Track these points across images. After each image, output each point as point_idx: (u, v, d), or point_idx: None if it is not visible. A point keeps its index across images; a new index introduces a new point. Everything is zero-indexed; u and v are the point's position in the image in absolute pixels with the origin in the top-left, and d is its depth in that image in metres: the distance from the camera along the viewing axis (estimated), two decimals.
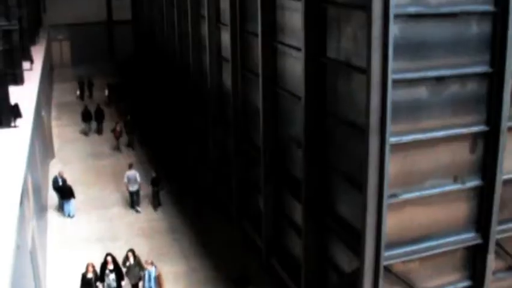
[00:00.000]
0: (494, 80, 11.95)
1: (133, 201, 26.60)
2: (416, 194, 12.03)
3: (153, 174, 27.14)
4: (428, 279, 12.81)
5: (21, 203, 13.54)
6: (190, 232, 24.15)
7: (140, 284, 18.73)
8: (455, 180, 12.25)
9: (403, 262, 12.44)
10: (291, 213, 17.09)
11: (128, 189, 26.37)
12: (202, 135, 27.74)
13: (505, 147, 12.20)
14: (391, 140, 11.27)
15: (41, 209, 22.85)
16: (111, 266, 18.23)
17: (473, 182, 12.44)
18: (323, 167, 14.30)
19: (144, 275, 18.16)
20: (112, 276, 18.23)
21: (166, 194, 27.82)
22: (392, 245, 12.09)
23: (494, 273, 13.10)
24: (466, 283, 13.15)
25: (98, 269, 18.39)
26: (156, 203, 26.69)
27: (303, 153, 14.72)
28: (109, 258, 18.36)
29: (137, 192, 26.56)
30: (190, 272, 21.37)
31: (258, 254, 19.97)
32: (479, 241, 12.73)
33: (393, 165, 11.49)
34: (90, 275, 18.06)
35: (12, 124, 19.52)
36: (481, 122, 12.18)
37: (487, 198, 12.42)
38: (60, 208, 26.20)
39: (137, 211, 26.31)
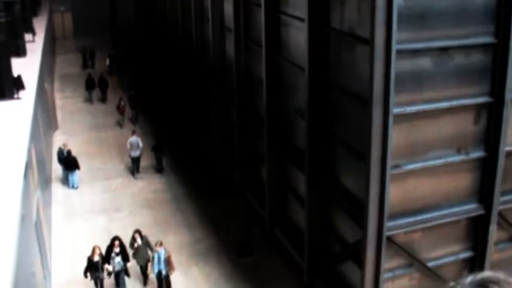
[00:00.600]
0: (498, 51, 11.87)
1: (133, 167, 27.43)
2: (420, 164, 12.03)
3: (155, 141, 27.56)
4: (431, 250, 12.86)
5: (25, 174, 13.59)
6: (193, 203, 24.29)
7: (149, 265, 18.61)
8: (459, 151, 12.25)
9: (406, 233, 12.48)
10: (294, 184, 17.12)
11: (129, 154, 26.82)
12: (205, 106, 27.71)
13: (509, 119, 12.17)
14: (395, 110, 11.24)
15: (45, 181, 22.94)
16: (117, 249, 18.11)
17: (477, 153, 12.43)
18: (326, 137, 14.28)
19: (154, 257, 17.98)
20: (118, 258, 18.15)
21: (169, 165, 27.92)
22: (395, 216, 12.12)
23: (496, 244, 13.15)
24: (468, 254, 13.20)
25: (103, 252, 18.40)
26: (158, 168, 27.09)
27: (306, 124, 14.69)
28: (116, 242, 18.22)
29: (138, 158, 27.18)
30: (194, 242, 21.56)
31: (261, 224, 20.06)
32: (481, 212, 12.76)
33: (396, 136, 11.48)
34: (96, 258, 17.99)
35: (15, 96, 19.53)
36: (485, 93, 12.13)
37: (490, 169, 12.42)
38: (65, 180, 26.32)
39: (135, 178, 26.65)
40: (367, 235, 11.89)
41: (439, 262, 12.95)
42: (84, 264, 18.36)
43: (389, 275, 12.53)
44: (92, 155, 28.90)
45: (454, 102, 11.86)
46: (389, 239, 12.15)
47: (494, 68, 11.98)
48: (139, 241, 18.42)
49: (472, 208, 12.74)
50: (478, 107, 12.18)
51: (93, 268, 18.00)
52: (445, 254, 13.00)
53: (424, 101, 11.63)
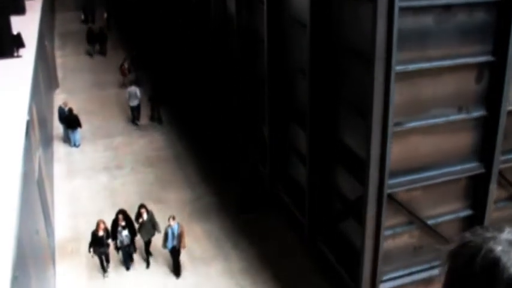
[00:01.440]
0: (501, 10, 11.76)
1: (134, 116, 27.89)
2: (421, 122, 12.03)
3: (151, 92, 27.99)
4: (431, 208, 12.95)
5: (27, 133, 13.59)
6: (194, 160, 24.33)
7: (154, 239, 17.96)
8: (460, 110, 12.24)
9: (407, 190, 12.55)
10: (296, 143, 17.15)
11: (128, 104, 27.21)
12: (205, 63, 27.57)
13: (511, 78, 12.12)
14: (397, 68, 11.20)
15: (47, 139, 22.97)
16: (123, 223, 17.43)
17: (478, 112, 12.42)
18: (328, 96, 14.26)
19: (167, 232, 17.22)
20: (125, 232, 17.47)
21: (170, 122, 27.91)
22: (396, 174, 12.17)
23: (496, 202, 13.23)
24: (468, 212, 13.30)
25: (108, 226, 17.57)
26: (156, 118, 27.51)
27: (308, 82, 14.65)
28: (120, 216, 17.51)
29: (137, 108, 27.85)
30: (195, 200, 21.65)
31: (263, 181, 20.15)
32: (482, 171, 12.80)
33: (399, 94, 11.45)
34: (101, 233, 17.20)
35: (15, 54, 19.41)
36: (487, 52, 12.06)
37: (491, 128, 12.42)
38: (66, 138, 26.34)
39: (136, 124, 27.51)
40: (368, 192, 11.96)
41: (439, 220, 13.06)
42: (87, 222, 18.52)
43: (390, 232, 12.65)
44: (93, 113, 28.83)
45: (457, 61, 11.80)
46: (390, 196, 12.22)
47: (498, 26, 11.88)
48: (144, 216, 17.73)
49: (472, 167, 12.78)
50: (481, 66, 12.13)
51: (97, 243, 17.21)
52: (445, 212, 13.10)
53: (427, 59, 11.57)
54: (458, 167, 12.69)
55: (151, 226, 17.83)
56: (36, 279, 12.90)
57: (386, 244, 12.72)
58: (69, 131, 26.02)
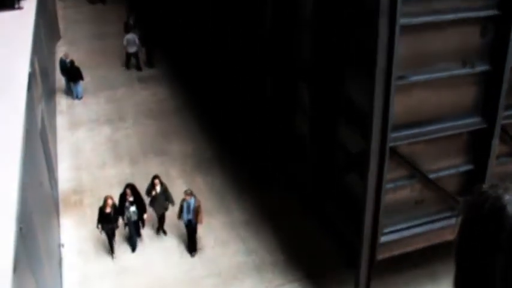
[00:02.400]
0: None
1: (129, 62, 28.65)
2: (425, 76, 11.95)
3: (144, 35, 28.64)
4: (433, 162, 12.96)
5: (29, 85, 13.56)
6: (197, 112, 24.33)
7: (168, 214, 17.50)
8: (464, 64, 12.14)
9: (409, 144, 12.55)
10: (298, 96, 17.10)
11: (126, 51, 28.10)
12: (199, 18, 27.25)
13: None
14: (401, 21, 11.07)
15: (49, 92, 22.94)
16: (131, 198, 16.71)
17: (482, 67, 12.32)
18: (331, 49, 14.15)
19: (183, 206, 16.57)
20: (132, 208, 16.77)
21: (172, 74, 27.82)
22: (398, 127, 12.15)
23: (497, 157, 13.23)
24: (469, 166, 13.31)
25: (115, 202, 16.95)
26: (148, 61, 28.50)
27: (310, 35, 14.54)
28: (128, 190, 16.78)
29: (135, 54, 28.55)
30: (198, 152, 21.74)
31: (265, 135, 20.18)
32: (484, 126, 12.77)
33: (403, 47, 11.35)
34: (108, 210, 16.47)
35: (16, 6, 19.21)
36: (492, 5, 11.90)
37: (495, 83, 12.33)
38: (68, 90, 26.30)
39: (139, 69, 28.61)
40: (371, 146, 11.95)
41: (440, 174, 13.09)
42: (90, 174, 18.62)
43: (391, 185, 12.68)
44: (95, 65, 28.72)
45: (461, 15, 11.66)
46: (392, 150, 12.22)
47: None
48: (158, 188, 17.01)
49: (475, 121, 12.75)
50: (485, 20, 11.98)
51: (105, 220, 16.55)
52: (447, 166, 13.12)
53: (431, 12, 11.43)
54: (461, 122, 12.65)
55: (164, 199, 17.21)
56: (40, 231, 13.04)
57: (388, 197, 12.78)
58: (71, 84, 25.96)
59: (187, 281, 16.28)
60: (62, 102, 25.80)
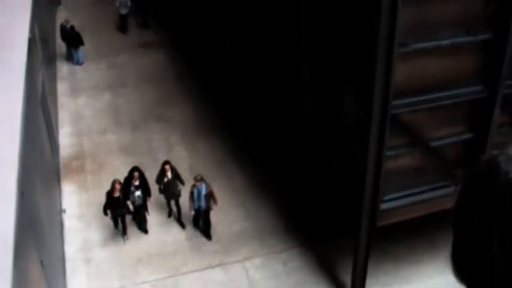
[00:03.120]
0: None
1: (124, 24, 29.05)
2: (427, 44, 11.87)
3: None
4: (434, 130, 12.94)
5: (29, 51, 13.49)
6: (198, 80, 24.27)
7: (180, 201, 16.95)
8: (468, 32, 12.04)
9: (410, 112, 12.52)
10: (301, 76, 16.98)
11: (118, 13, 28.56)
12: None
13: None
14: None
15: (50, 57, 22.85)
16: (136, 182, 16.15)
17: (485, 35, 12.22)
18: (333, 19, 14.02)
19: (193, 192, 15.94)
20: (138, 193, 16.18)
21: (172, 40, 27.67)
22: (400, 95, 12.11)
23: (499, 127, 13.19)
24: (470, 135, 13.28)
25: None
26: (143, 23, 28.99)
27: (311, 14, 14.42)
28: (136, 173, 16.23)
29: (126, 16, 28.98)
30: (199, 118, 21.76)
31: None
32: (486, 94, 12.71)
33: (405, 15, 11.24)
34: (117, 194, 15.91)
35: None
36: None
37: (498, 52, 12.24)
38: (69, 56, 26.20)
39: (123, 33, 28.98)
40: (372, 112, 11.93)
41: (441, 143, 13.07)
42: (91, 140, 18.64)
43: (392, 153, 12.68)
44: (96, 31, 28.55)
45: None
46: (393, 117, 12.19)
47: None
48: (169, 175, 16.37)
49: (476, 90, 12.69)
50: None
51: (114, 205, 16.03)
52: (447, 134, 13.09)
53: None
54: (463, 90, 12.59)
55: (176, 185, 16.62)
56: (42, 197, 13.10)
57: (388, 165, 12.79)
58: (72, 49, 25.85)
59: (188, 247, 16.41)
60: (63, 68, 25.72)
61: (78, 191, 18.29)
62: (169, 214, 17.34)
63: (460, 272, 1.84)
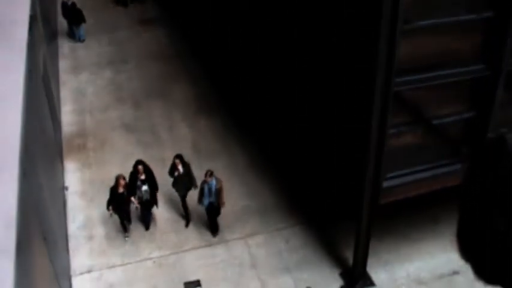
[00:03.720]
0: None
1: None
2: (430, 22, 11.79)
3: None
4: (436, 108, 12.90)
5: (30, 28, 13.42)
6: (199, 57, 24.20)
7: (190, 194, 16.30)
8: (470, 10, 11.95)
9: (413, 89, 12.47)
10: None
11: None
12: None
13: None
14: None
15: (51, 35, 22.75)
16: (142, 176, 15.45)
17: (488, 13, 12.12)
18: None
19: (203, 188, 15.43)
20: (144, 187, 15.52)
21: (173, 17, 27.53)
22: (403, 72, 12.05)
23: (501, 105, 13.13)
24: (473, 113, 13.23)
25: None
26: None
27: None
28: (140, 167, 15.49)
29: None
30: (200, 95, 21.75)
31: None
32: (489, 73, 12.65)
33: None
34: (121, 190, 15.17)
35: None
36: None
37: (501, 30, 12.14)
38: (70, 33, 26.12)
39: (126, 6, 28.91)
40: (375, 90, 11.89)
41: (443, 121, 13.04)
42: (93, 117, 18.60)
43: (394, 131, 12.66)
44: (97, 7, 28.44)
45: None
46: (396, 94, 12.16)
47: None
48: (180, 168, 15.77)
49: (479, 68, 12.62)
50: None
51: (117, 201, 15.34)
52: (450, 113, 13.06)
53: None
54: (466, 69, 12.53)
55: (187, 180, 16.05)
56: (45, 174, 13.12)
57: (390, 143, 12.77)
58: (73, 26, 25.75)
59: (190, 224, 16.46)
60: (64, 45, 25.65)
61: (80, 168, 18.31)
62: (187, 222, 16.65)
63: (466, 252, 1.84)
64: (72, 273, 14.97)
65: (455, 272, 14.85)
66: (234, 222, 16.48)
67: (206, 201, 15.56)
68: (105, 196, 16.73)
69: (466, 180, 1.84)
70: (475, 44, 12.43)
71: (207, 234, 16.10)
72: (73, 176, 17.99)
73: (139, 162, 15.65)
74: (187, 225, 16.51)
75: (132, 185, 15.40)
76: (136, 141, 19.33)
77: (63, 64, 23.95)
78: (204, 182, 15.34)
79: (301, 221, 16.50)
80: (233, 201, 16.97)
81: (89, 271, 15.10)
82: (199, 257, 15.48)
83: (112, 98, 21.73)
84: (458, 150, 13.35)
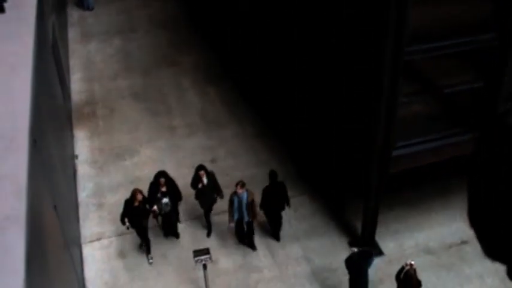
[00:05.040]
0: None
1: None
2: None
3: None
4: (446, 77, 12.83)
5: None
6: (209, 25, 24.06)
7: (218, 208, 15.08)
8: None
9: (423, 58, 12.38)
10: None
11: None
12: None
13: None
14: None
15: (60, 3, 22.67)
16: (163, 188, 14.27)
17: None
18: None
19: (233, 201, 14.03)
20: (165, 200, 14.31)
21: None
22: (413, 41, 11.96)
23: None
24: (483, 83, 13.13)
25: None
26: None
27: None
28: (162, 180, 14.24)
29: None
30: (209, 64, 21.69)
31: None
32: (500, 42, 12.51)
33: None
34: (136, 204, 13.84)
35: None
36: None
37: None
38: (79, 2, 26.01)
39: None
40: (385, 59, 11.81)
41: (453, 90, 12.96)
42: (102, 86, 18.60)
43: (405, 99, 12.60)
44: None
45: None
46: (406, 63, 12.07)
47: None
48: (204, 180, 14.48)
49: (490, 37, 12.50)
50: None
51: (133, 214, 13.97)
52: (460, 82, 12.97)
53: None
54: (476, 37, 12.42)
55: (212, 191, 14.78)
56: (55, 143, 13.16)
57: (400, 112, 12.72)
58: None
59: None
60: (73, 13, 25.56)
61: (90, 136, 18.36)
62: (209, 232, 15.55)
63: (475, 229, 1.84)
64: (82, 240, 15.10)
65: (464, 242, 14.88)
66: None
67: (235, 216, 14.22)
68: (115, 164, 16.82)
69: (473, 156, 1.83)
70: (487, 13, 12.30)
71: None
72: (83, 144, 18.05)
73: (161, 174, 14.40)
74: (209, 234, 15.47)
75: (152, 196, 14.25)
76: (145, 110, 19.34)
77: (72, 33, 23.90)
78: (235, 193, 13.98)
79: (309, 190, 16.53)
80: (241, 169, 17.01)
81: (99, 239, 15.22)
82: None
83: (121, 67, 21.71)
84: (467, 120, 13.29)
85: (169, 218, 14.82)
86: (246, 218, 14.30)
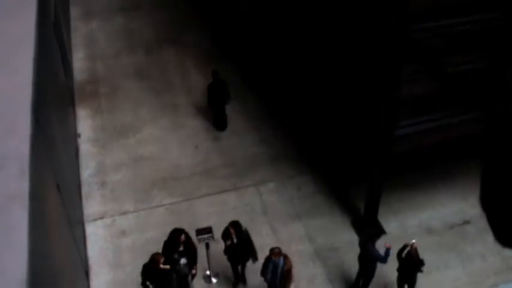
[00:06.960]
0: None
1: None
2: None
3: None
4: (451, 57, 12.72)
5: None
6: (212, 3, 23.92)
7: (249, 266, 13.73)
8: None
9: (428, 37, 12.28)
10: None
11: None
12: None
13: None
14: None
15: None
16: (181, 247, 12.75)
17: None
18: None
19: (268, 265, 12.63)
20: (183, 260, 12.80)
21: None
22: (418, 20, 11.85)
23: None
24: (488, 63, 13.03)
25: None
26: None
27: None
28: (182, 237, 12.65)
29: None
30: (213, 43, 21.62)
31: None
32: (506, 22, 12.41)
33: None
34: (161, 267, 12.19)
35: None
36: None
37: None
38: None
39: None
40: (390, 37, 11.74)
41: (459, 69, 12.88)
42: (104, 64, 18.53)
43: (409, 78, 12.54)
44: None
45: None
46: (411, 42, 11.99)
47: None
48: (234, 238, 12.96)
49: (495, 16, 12.40)
50: None
51: (155, 276, 12.39)
52: (465, 61, 12.88)
53: None
54: (482, 17, 12.31)
55: (242, 250, 13.21)
56: (57, 121, 13.13)
57: (405, 91, 12.65)
58: None
59: (202, 170, 16.52)
60: None
61: (92, 115, 18.33)
62: (236, 283, 14.15)
63: (487, 214, 1.82)
64: (85, 219, 15.14)
65: (466, 222, 14.90)
66: (245, 169, 16.52)
67: (269, 276, 12.80)
68: (118, 143, 16.80)
69: (487, 143, 1.81)
70: None
71: (219, 181, 16.16)
72: (85, 122, 18.03)
73: (179, 231, 12.79)
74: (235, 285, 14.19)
75: (168, 257, 12.58)
76: (148, 88, 19.29)
77: (75, 10, 23.75)
78: (269, 258, 12.68)
79: (312, 169, 16.52)
80: (245, 148, 17.02)
81: (102, 217, 15.26)
82: (211, 204, 15.58)
83: (124, 45, 21.61)
84: (472, 100, 13.22)
85: (185, 279, 13.19)
86: (277, 282, 12.83)
